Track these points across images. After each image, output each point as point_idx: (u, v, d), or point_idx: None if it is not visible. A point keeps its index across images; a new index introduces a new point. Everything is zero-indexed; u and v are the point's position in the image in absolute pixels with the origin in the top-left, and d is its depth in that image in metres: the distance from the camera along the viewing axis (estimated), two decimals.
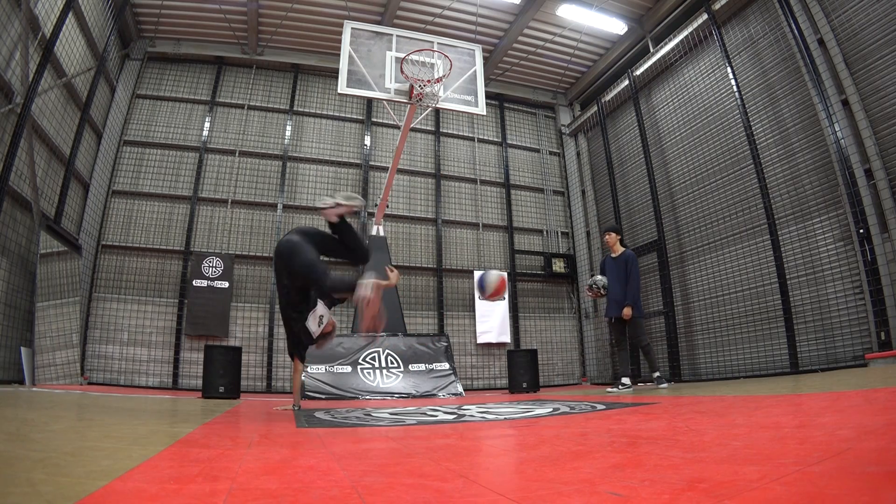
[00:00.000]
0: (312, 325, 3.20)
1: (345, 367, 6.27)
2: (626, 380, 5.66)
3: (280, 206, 8.58)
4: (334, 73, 6.71)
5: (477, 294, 3.16)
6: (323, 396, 5.86)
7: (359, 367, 6.33)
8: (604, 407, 3.13)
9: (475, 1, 8.40)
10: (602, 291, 5.88)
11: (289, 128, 9.08)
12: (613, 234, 6.01)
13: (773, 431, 1.57)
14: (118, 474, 1.03)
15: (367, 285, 2.79)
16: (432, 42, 6.31)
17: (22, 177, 5.57)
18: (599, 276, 6.01)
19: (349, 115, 9.55)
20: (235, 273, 8.06)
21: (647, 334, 5.80)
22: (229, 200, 8.46)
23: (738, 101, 6.86)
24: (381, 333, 3.03)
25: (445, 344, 6.94)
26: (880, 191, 5.20)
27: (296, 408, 3.50)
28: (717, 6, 7.24)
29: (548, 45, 9.36)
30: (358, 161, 9.28)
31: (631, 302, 5.63)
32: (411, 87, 5.88)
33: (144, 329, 7.58)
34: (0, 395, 3.75)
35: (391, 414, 3.23)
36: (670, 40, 8.06)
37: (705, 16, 7.41)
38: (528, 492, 0.95)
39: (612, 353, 9.24)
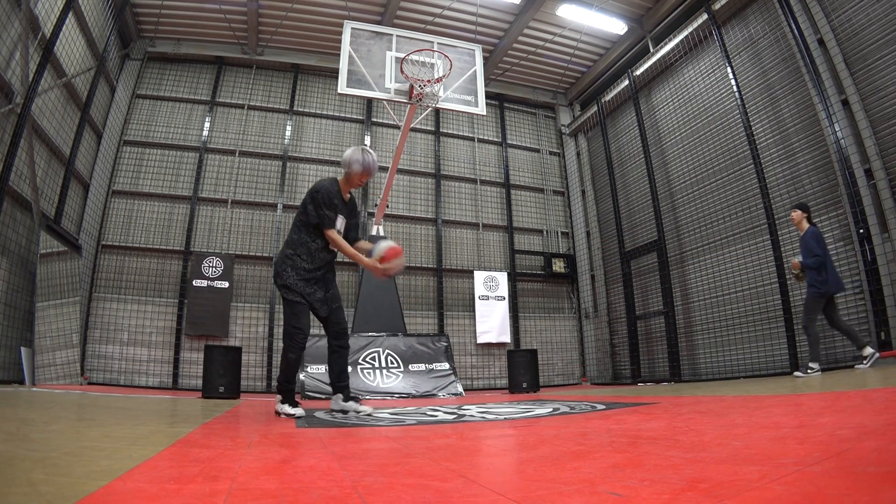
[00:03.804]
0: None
1: None
2: (813, 364, 4.98)
3: (280, 206, 8.58)
4: (334, 73, 6.71)
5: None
6: (323, 396, 5.86)
7: (359, 367, 6.32)
8: (604, 407, 3.13)
9: (475, 1, 8.40)
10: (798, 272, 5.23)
11: (289, 128, 9.08)
12: (797, 212, 5.33)
13: (773, 431, 1.57)
14: (118, 474, 1.03)
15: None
16: (432, 42, 6.30)
17: (22, 177, 5.57)
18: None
19: (349, 115, 9.55)
20: (235, 273, 8.06)
21: (812, 315, 5.01)
22: (229, 200, 8.46)
23: (738, 101, 6.86)
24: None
25: (445, 344, 6.94)
26: (880, 191, 5.20)
27: None
28: (717, 6, 7.24)
29: (548, 45, 9.36)
30: None
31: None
32: (411, 87, 5.88)
33: (144, 329, 7.58)
34: (0, 395, 3.75)
35: (391, 414, 3.23)
36: (670, 40, 8.06)
37: (705, 16, 7.41)
38: (528, 492, 0.95)
39: (611, 353, 9.25)
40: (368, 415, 3.01)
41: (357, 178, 3.18)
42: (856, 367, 4.87)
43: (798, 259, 5.25)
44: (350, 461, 1.33)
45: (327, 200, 3.05)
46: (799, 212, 5.31)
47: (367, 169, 3.15)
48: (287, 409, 3.01)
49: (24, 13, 5.28)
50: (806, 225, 5.28)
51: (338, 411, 3.10)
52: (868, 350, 4.79)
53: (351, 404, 3.11)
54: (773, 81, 6.55)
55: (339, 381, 3.14)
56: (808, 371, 5.02)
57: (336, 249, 3.12)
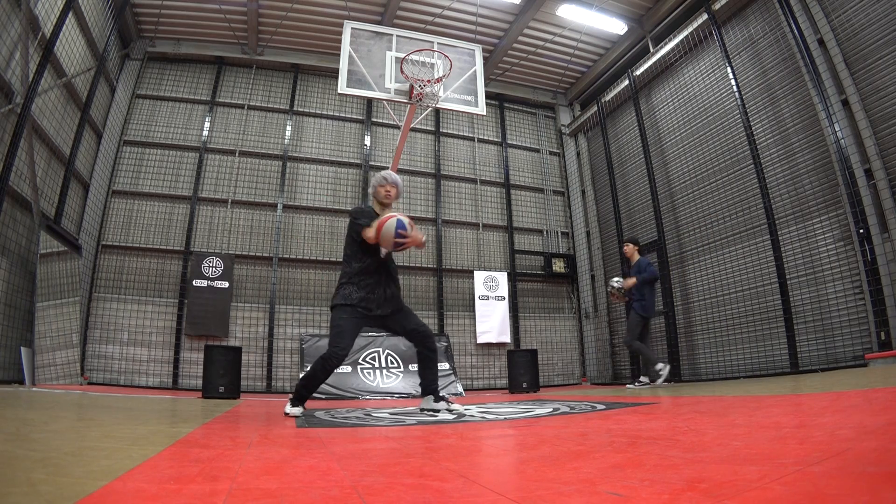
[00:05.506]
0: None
1: (345, 367, 6.27)
2: (643, 378, 6.13)
3: (280, 206, 8.58)
4: (334, 73, 6.71)
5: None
6: (323, 396, 5.86)
7: (359, 367, 6.33)
8: (604, 407, 3.13)
9: (475, 1, 8.40)
10: (619, 293, 6.42)
11: (289, 128, 9.08)
12: (629, 246, 6.61)
13: (773, 431, 1.57)
14: (118, 474, 1.03)
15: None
16: (432, 42, 6.30)
17: (22, 177, 5.57)
18: (617, 279, 6.55)
19: (349, 115, 9.55)
20: (235, 273, 8.06)
21: (634, 334, 6.28)
22: (229, 200, 8.46)
23: (738, 101, 6.86)
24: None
25: (445, 344, 6.94)
26: (880, 191, 5.20)
27: None
28: (717, 6, 7.24)
29: (548, 45, 9.36)
30: (358, 161, 9.28)
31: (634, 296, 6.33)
32: (411, 87, 5.88)
33: (144, 329, 7.57)
34: (0, 395, 3.75)
35: (391, 414, 3.23)
36: (670, 40, 8.06)
37: (705, 16, 7.41)
38: (528, 492, 0.95)
39: (611, 353, 9.25)
40: (461, 414, 3.04)
41: (383, 192, 3.31)
42: (629, 385, 6.15)
43: (617, 280, 6.55)
44: (350, 461, 1.33)
45: (361, 211, 3.22)
46: (631, 245, 6.51)
47: (388, 179, 3.30)
48: (287, 407, 3.14)
49: (24, 13, 5.28)
50: (637, 256, 6.49)
51: (427, 410, 3.20)
52: (659, 364, 5.92)
53: (442, 404, 3.23)
54: (773, 81, 6.55)
55: (431, 385, 3.26)
56: (638, 384, 6.05)
57: (382, 245, 3.07)
